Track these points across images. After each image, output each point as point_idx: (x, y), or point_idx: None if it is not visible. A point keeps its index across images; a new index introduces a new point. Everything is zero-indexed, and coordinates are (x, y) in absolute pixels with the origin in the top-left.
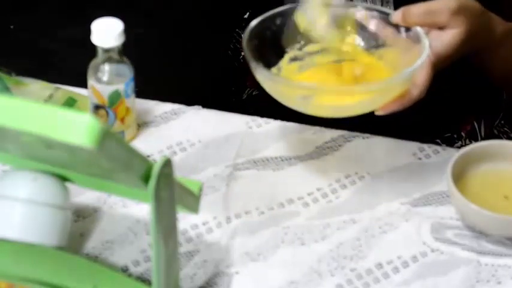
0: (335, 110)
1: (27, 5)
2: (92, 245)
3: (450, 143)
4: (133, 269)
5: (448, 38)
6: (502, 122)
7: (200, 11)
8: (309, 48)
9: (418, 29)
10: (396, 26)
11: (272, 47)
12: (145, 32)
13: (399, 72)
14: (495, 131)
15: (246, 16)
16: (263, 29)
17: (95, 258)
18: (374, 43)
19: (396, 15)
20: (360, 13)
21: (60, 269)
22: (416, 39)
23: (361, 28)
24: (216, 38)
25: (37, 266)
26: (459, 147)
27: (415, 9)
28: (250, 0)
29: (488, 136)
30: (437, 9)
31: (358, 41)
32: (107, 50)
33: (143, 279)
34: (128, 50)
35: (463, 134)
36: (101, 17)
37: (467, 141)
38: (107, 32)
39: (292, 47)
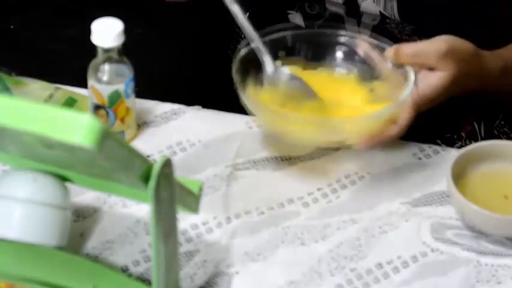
0: (309, 139)
1: (27, 5)
2: (92, 245)
3: (450, 143)
4: (133, 269)
5: (434, 80)
6: (502, 122)
7: (200, 11)
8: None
9: (407, 68)
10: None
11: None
12: (145, 32)
13: (376, 110)
14: (495, 132)
15: (246, 16)
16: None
17: (95, 258)
18: (369, 75)
19: (389, 52)
20: (363, 45)
21: (60, 269)
22: (405, 77)
23: (359, 59)
24: (216, 38)
25: (37, 266)
26: (459, 148)
27: (405, 49)
28: (250, 0)
29: (489, 136)
30: (426, 52)
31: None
32: (107, 50)
33: (143, 279)
34: (128, 50)
35: (463, 134)
36: (101, 17)
37: (467, 141)
38: (107, 32)
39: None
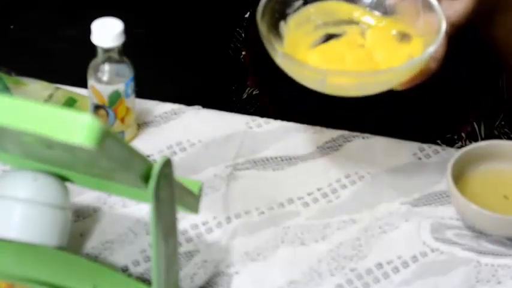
0: (353, 89)
1: (27, 5)
2: (92, 245)
3: (450, 143)
4: (133, 269)
5: (460, 7)
6: (503, 123)
7: (200, 11)
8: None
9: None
10: None
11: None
12: (145, 32)
13: (422, 53)
14: (495, 132)
15: (246, 16)
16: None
17: (95, 258)
18: (381, 11)
19: None
20: None
21: (60, 269)
22: (427, 7)
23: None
24: (216, 38)
25: (37, 266)
26: (459, 148)
27: None
28: (251, 0)
29: (489, 137)
30: None
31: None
32: (107, 50)
33: (143, 279)
34: (128, 50)
35: (463, 134)
36: (101, 17)
37: (467, 141)
38: (107, 32)
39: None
